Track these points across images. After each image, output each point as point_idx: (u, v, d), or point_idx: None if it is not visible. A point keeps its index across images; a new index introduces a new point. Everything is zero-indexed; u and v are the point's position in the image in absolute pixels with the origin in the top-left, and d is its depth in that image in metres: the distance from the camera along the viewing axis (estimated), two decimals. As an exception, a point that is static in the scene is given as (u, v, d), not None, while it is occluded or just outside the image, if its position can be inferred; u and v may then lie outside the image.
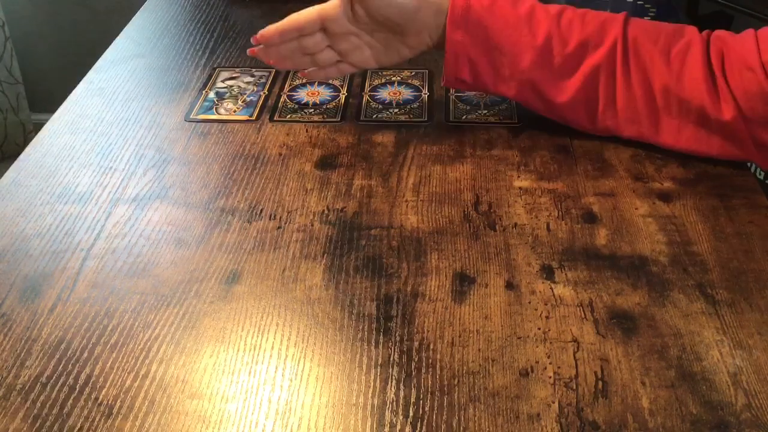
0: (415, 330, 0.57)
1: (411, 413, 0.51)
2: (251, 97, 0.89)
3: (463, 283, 0.62)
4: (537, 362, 0.55)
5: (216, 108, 0.87)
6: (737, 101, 0.70)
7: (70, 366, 0.55)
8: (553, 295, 0.61)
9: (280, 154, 0.78)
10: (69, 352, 0.56)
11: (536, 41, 0.74)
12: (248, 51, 0.83)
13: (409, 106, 0.86)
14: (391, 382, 0.53)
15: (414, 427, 0.50)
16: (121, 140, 0.81)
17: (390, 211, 0.70)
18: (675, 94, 0.72)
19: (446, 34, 0.76)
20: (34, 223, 0.69)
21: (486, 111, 0.85)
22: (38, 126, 1.80)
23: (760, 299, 0.60)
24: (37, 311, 0.60)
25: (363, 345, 0.56)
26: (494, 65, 0.77)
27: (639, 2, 1.08)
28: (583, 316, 0.59)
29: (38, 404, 0.52)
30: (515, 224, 0.68)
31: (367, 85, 0.91)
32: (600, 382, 0.53)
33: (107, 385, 0.53)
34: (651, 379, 0.53)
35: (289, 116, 0.85)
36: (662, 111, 0.73)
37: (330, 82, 0.92)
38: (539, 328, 0.57)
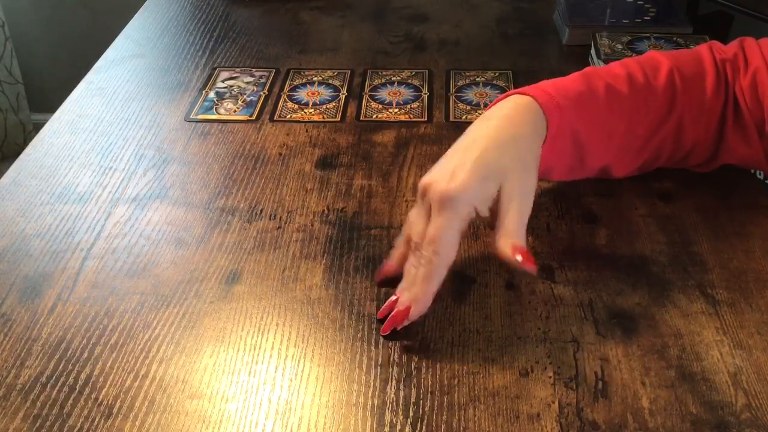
0: (415, 330, 0.57)
1: (411, 413, 0.51)
2: (251, 97, 0.89)
3: (463, 283, 0.62)
4: (537, 362, 0.55)
5: (216, 108, 0.87)
6: (762, 136, 0.68)
7: (70, 366, 0.55)
8: (553, 295, 0.60)
9: (280, 154, 0.78)
10: (69, 352, 0.56)
11: (615, 135, 0.67)
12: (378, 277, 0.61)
13: (409, 106, 0.87)
14: (391, 382, 0.53)
15: (414, 427, 0.50)
16: (121, 140, 0.81)
17: (390, 211, 0.70)
18: (706, 150, 0.71)
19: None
20: (34, 223, 0.69)
21: (486, 111, 0.85)
22: (38, 126, 1.80)
23: (760, 299, 0.60)
24: (37, 311, 0.60)
25: (363, 345, 0.56)
26: (570, 166, 0.67)
27: (639, 2, 1.08)
28: (583, 316, 0.59)
29: (38, 404, 0.52)
30: (515, 224, 0.68)
31: (367, 85, 0.91)
32: (600, 382, 0.53)
33: (107, 385, 0.53)
34: (651, 379, 0.53)
35: (289, 116, 0.85)
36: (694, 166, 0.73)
37: (330, 82, 0.92)
38: (539, 328, 0.57)
